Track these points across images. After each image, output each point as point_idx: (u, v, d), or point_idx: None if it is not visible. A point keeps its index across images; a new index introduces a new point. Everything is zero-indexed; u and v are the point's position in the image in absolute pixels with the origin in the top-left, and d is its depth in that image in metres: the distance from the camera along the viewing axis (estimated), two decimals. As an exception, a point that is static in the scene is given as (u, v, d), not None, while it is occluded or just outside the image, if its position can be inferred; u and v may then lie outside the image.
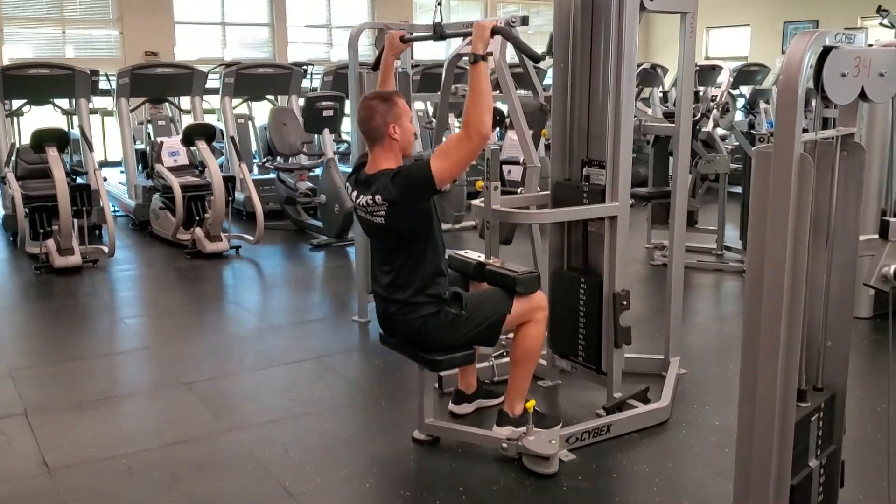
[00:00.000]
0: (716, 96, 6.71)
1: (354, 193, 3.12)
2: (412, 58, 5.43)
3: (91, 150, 6.92)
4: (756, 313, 1.98)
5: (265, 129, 9.29)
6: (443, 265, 3.16)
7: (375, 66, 3.75)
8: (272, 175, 8.04)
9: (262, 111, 9.98)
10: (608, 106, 3.43)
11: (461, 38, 4.23)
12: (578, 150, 3.63)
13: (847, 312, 2.22)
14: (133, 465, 3.20)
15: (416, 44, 4.85)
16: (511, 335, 3.38)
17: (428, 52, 12.35)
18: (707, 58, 14.92)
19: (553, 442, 3.07)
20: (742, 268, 6.00)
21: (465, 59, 3.02)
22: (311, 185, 7.50)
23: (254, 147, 9.40)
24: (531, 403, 3.14)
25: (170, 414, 3.71)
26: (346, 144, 9.61)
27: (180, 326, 5.09)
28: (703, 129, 6.29)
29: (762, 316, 1.96)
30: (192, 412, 3.72)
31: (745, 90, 10.72)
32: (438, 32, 3.93)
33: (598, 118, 3.50)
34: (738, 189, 7.13)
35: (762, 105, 9.45)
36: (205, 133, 6.86)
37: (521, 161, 4.10)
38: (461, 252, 3.59)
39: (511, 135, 6.02)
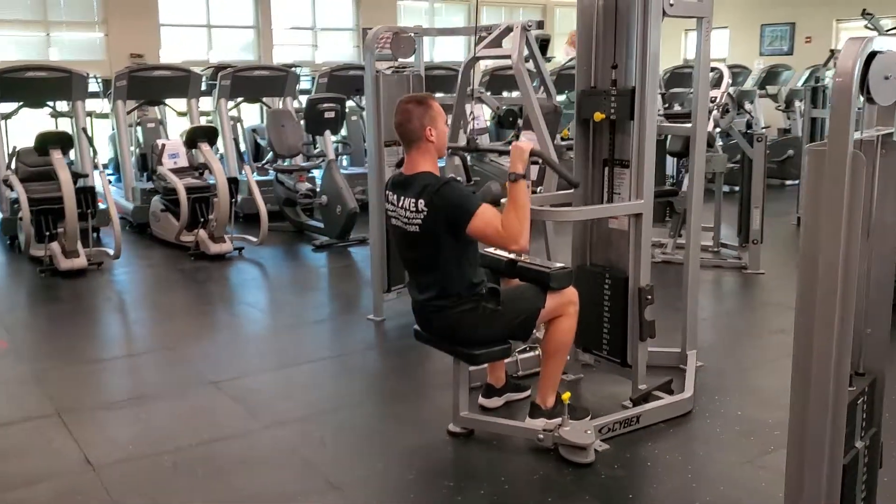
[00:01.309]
0: (714, 97, 6.85)
1: (395, 197, 3.20)
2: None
3: (95, 152, 6.92)
4: (810, 301, 2.08)
5: (253, 131, 9.31)
6: (479, 274, 3.27)
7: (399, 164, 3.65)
8: (269, 177, 8.05)
9: (249, 114, 9.98)
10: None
11: (474, 43, 4.34)
12: (601, 149, 3.75)
13: (886, 301, 2.35)
14: (176, 461, 3.25)
15: (415, 46, 5.09)
16: (536, 332, 3.49)
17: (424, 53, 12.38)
18: (685, 60, 15.14)
19: (589, 432, 3.18)
20: (740, 264, 6.16)
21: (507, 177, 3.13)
22: (310, 185, 7.53)
23: (242, 148, 9.37)
24: (567, 395, 3.23)
25: (203, 412, 3.76)
26: (338, 145, 9.63)
27: (196, 327, 5.13)
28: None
29: (816, 304, 2.07)
30: (225, 410, 3.77)
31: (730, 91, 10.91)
32: (473, 146, 4.20)
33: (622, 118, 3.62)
34: (728, 188, 7.28)
35: (748, 105, 9.64)
36: (207, 135, 6.89)
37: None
38: (490, 249, 3.68)
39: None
